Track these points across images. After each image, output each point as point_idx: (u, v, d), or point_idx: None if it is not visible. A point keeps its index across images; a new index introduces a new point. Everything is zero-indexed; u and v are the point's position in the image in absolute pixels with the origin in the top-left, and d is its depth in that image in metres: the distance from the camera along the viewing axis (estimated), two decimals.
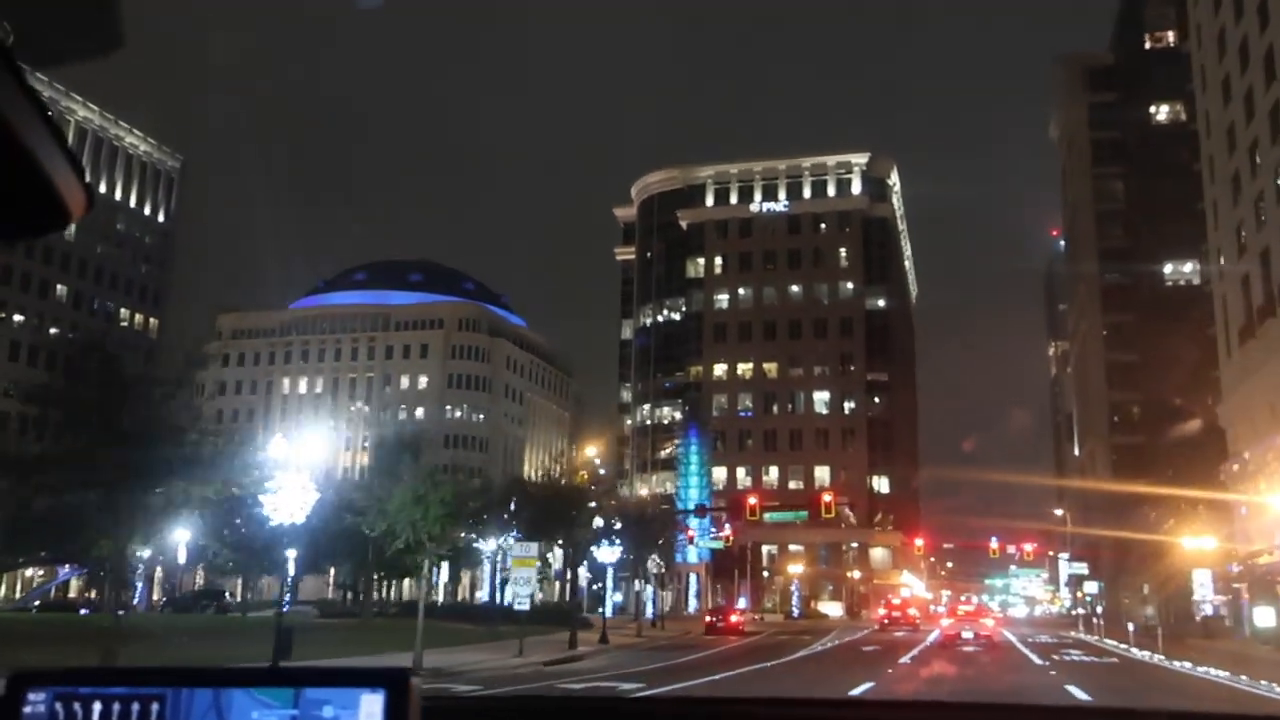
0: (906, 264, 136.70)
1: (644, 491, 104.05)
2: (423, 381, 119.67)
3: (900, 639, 48.60)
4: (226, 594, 67.47)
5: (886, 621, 59.00)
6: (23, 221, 1.08)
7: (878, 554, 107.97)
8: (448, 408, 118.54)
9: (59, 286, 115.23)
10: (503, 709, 3.70)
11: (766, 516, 62.41)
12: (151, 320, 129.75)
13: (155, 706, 1.43)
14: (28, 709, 1.45)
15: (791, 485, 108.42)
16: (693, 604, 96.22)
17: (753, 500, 50.52)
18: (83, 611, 73.72)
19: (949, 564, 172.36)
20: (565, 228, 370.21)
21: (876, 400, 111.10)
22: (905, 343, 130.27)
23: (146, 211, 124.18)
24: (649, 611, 61.01)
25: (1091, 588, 68.57)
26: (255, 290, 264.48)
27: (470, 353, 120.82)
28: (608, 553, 42.46)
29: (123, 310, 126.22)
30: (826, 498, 47.60)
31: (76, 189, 1.08)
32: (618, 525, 43.61)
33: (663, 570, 65.11)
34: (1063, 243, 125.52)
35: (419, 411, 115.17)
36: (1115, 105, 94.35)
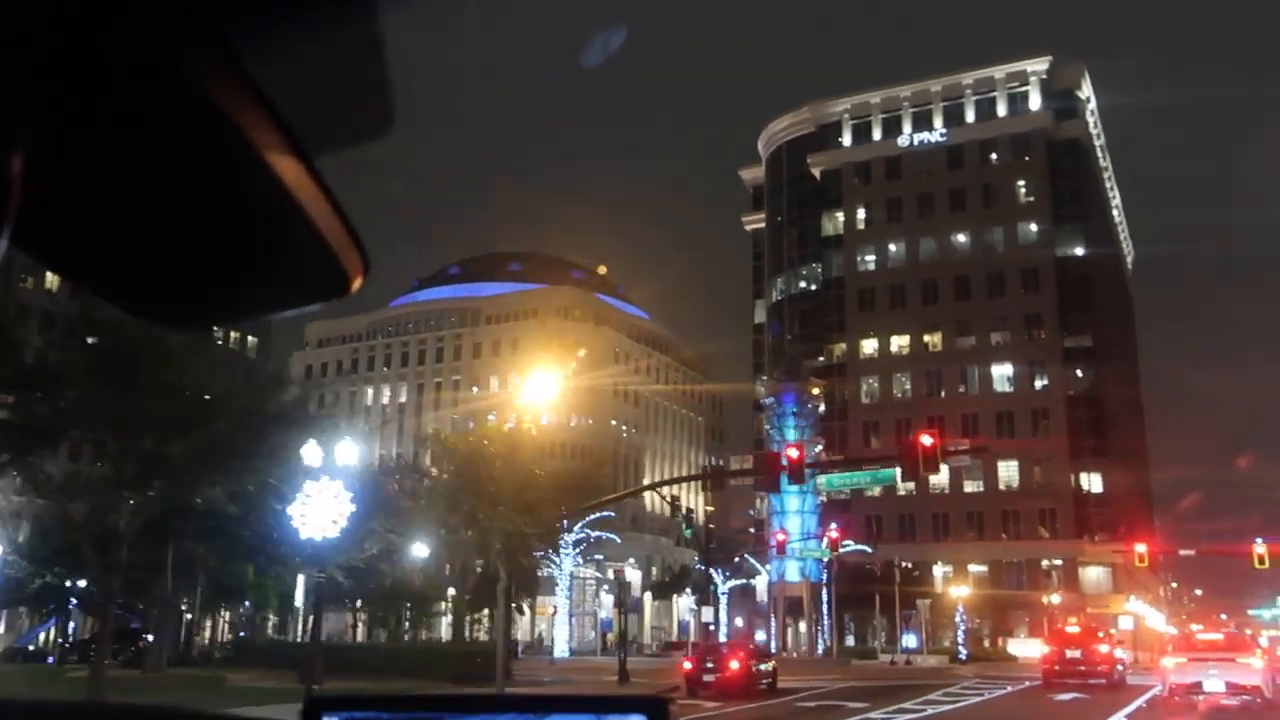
0: (1115, 210, 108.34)
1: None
2: (513, 382, 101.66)
3: (1064, 708, 25.31)
4: (149, 635, 50.05)
5: (1055, 669, 33.81)
6: (305, 290, 1.16)
7: (1091, 575, 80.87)
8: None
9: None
10: None
11: (824, 480, 39.84)
12: (249, 339, 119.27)
13: None
14: None
15: (968, 488, 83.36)
16: (819, 641, 72.35)
17: (793, 453, 28.68)
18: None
19: (1196, 591, 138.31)
20: (696, 210, 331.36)
21: (1079, 373, 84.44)
22: (1117, 301, 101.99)
23: None
24: (560, 650, 38.77)
25: None
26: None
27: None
28: (317, 511, 19.44)
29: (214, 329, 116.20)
30: (926, 440, 25.41)
31: (356, 258, 1.12)
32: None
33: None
34: None
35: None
36: None
